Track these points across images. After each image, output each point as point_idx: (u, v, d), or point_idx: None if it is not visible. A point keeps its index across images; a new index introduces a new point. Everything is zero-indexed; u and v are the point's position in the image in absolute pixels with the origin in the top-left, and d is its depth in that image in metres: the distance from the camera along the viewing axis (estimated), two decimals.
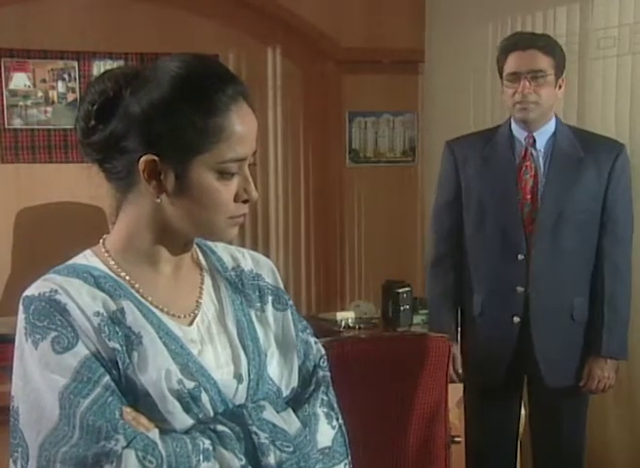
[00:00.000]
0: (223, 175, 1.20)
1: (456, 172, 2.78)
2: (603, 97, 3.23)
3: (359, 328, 3.55)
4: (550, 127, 2.68)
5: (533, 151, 2.67)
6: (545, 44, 2.64)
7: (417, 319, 3.61)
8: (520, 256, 2.65)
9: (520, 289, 2.65)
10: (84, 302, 1.17)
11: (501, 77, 2.68)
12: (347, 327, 3.58)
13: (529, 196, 2.66)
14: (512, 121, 2.71)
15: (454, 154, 2.81)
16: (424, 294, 3.93)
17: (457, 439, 2.86)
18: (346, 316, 3.68)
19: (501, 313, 2.70)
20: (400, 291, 3.58)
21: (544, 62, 2.60)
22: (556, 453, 2.78)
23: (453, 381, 2.80)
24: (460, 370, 2.82)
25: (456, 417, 2.95)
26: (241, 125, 1.20)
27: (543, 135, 2.67)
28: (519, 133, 2.70)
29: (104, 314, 1.18)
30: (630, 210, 2.71)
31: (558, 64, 2.63)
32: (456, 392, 2.87)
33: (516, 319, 2.66)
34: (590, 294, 2.68)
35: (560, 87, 2.66)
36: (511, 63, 2.63)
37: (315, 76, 4.07)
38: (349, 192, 4.19)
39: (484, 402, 2.82)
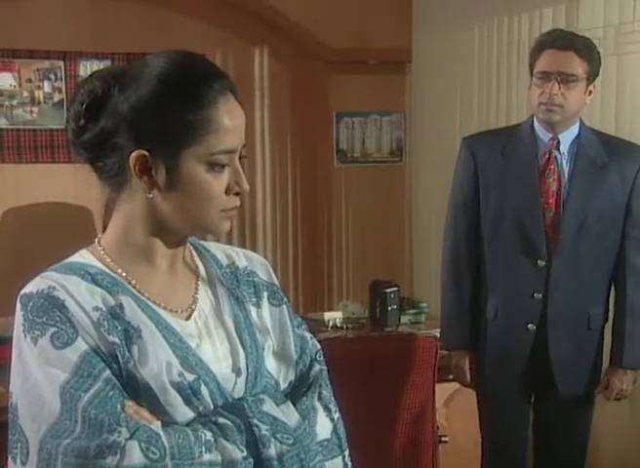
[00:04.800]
0: (214, 167, 1.21)
1: (475, 172, 2.67)
2: None
3: (347, 328, 3.55)
4: (574, 130, 2.58)
5: (557, 154, 2.57)
6: (583, 47, 2.51)
7: (404, 319, 3.61)
8: (541, 263, 2.56)
9: (538, 295, 2.58)
10: (82, 298, 1.18)
11: (531, 73, 2.57)
12: (335, 327, 3.58)
13: (551, 200, 2.57)
14: (535, 120, 2.61)
15: (473, 153, 2.69)
16: (412, 295, 3.96)
17: (444, 439, 2.87)
18: (334, 316, 3.68)
19: (515, 319, 2.62)
20: (388, 290, 3.58)
21: (578, 66, 2.48)
22: (560, 461, 2.72)
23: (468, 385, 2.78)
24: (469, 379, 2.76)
25: (443, 417, 2.96)
26: (229, 117, 1.22)
27: (568, 137, 2.57)
28: (543, 133, 2.59)
29: (103, 309, 1.19)
30: None
31: (592, 70, 2.52)
32: (443, 392, 2.88)
33: (531, 326, 2.59)
34: (607, 302, 2.63)
35: (590, 93, 2.55)
36: (544, 62, 2.51)
37: (302, 76, 4.07)
38: (337, 192, 4.19)
39: (496, 408, 2.75)
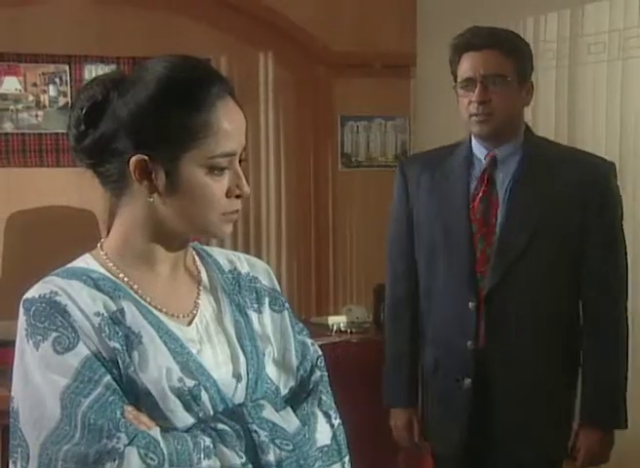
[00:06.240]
0: (213, 170, 1.22)
1: (406, 198, 2.30)
2: (594, 103, 3.24)
3: (351, 332, 3.54)
4: (517, 142, 2.18)
5: (494, 173, 2.17)
6: (506, 42, 2.15)
7: None
8: (471, 305, 2.15)
9: (471, 344, 2.16)
10: (84, 303, 1.19)
11: (456, 82, 2.20)
12: (339, 331, 3.58)
13: (485, 230, 2.16)
14: (473, 136, 2.22)
15: (405, 177, 2.31)
16: None
17: None
18: (338, 320, 3.68)
19: (451, 373, 2.22)
20: None
21: (504, 65, 2.12)
22: None
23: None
24: (417, 439, 2.38)
25: None
26: (228, 120, 1.22)
27: (507, 152, 2.17)
28: (479, 150, 2.20)
29: (105, 314, 1.19)
30: (623, 247, 2.19)
31: (522, 66, 2.15)
32: None
33: (467, 381, 2.18)
34: (566, 348, 2.20)
35: (528, 92, 2.19)
36: (465, 67, 2.15)
37: (307, 80, 4.07)
38: (341, 196, 4.19)
39: None
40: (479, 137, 2.19)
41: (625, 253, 2.21)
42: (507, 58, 2.13)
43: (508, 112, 2.14)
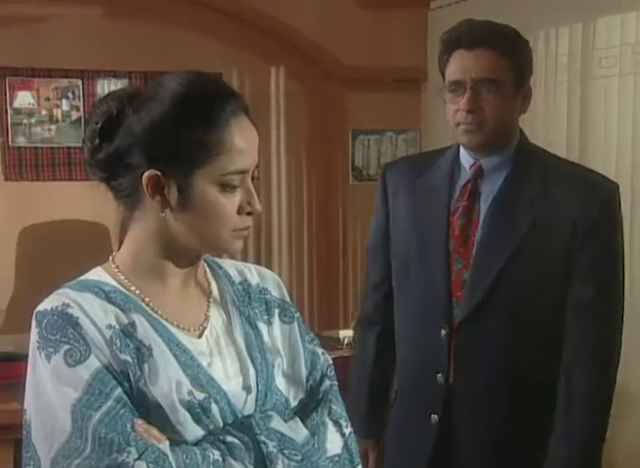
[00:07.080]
0: (226, 187, 1.22)
1: (385, 207, 2.06)
2: (605, 117, 3.24)
3: None
4: (508, 152, 1.90)
5: (479, 186, 1.91)
6: (502, 40, 1.85)
7: None
8: (443, 332, 1.89)
9: (440, 377, 1.90)
10: (96, 316, 1.19)
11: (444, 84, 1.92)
12: (350, 344, 3.57)
13: (462, 249, 1.89)
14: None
15: (386, 184, 2.06)
16: None
17: None
18: (349, 334, 3.67)
19: (416, 407, 1.97)
20: None
21: (499, 68, 1.82)
22: None
23: None
24: None
25: None
26: (241, 138, 1.23)
27: (496, 162, 1.89)
28: (466, 159, 1.93)
29: (116, 327, 1.19)
30: (619, 276, 1.88)
31: (520, 68, 1.87)
32: None
33: (434, 417, 1.91)
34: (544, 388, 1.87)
35: (525, 98, 1.90)
36: (454, 67, 1.86)
37: (318, 94, 4.08)
38: (352, 209, 4.19)
39: None
40: (467, 148, 1.93)
41: (623, 289, 1.90)
42: (503, 59, 1.83)
43: (501, 122, 1.85)
